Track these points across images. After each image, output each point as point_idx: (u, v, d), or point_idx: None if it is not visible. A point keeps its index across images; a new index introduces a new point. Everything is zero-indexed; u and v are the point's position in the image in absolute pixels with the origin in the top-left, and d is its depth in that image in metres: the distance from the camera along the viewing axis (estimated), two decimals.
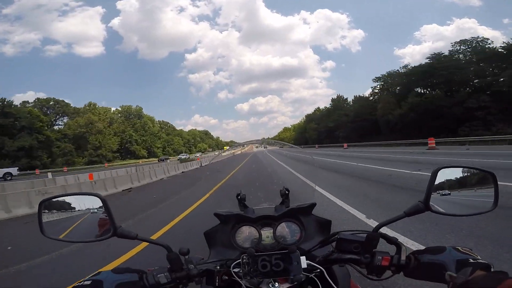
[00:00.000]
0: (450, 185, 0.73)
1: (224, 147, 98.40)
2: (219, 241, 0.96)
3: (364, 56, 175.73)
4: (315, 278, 0.75)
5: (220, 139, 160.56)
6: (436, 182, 0.69)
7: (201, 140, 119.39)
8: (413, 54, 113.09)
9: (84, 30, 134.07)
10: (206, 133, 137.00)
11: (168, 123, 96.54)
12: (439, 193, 0.71)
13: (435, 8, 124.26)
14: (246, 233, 0.95)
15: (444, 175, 0.71)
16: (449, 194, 0.73)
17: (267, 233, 0.94)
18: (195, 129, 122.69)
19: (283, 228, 0.95)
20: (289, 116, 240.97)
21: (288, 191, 1.05)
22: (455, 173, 0.74)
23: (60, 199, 0.72)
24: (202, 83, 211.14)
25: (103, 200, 0.68)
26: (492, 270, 0.57)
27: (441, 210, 0.70)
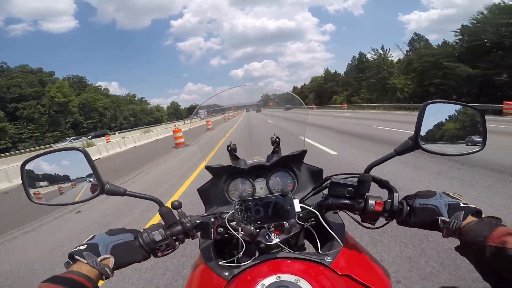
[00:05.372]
0: (439, 121, 0.72)
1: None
2: (213, 196, 0.95)
3: (367, 20, 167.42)
4: (311, 228, 0.73)
5: (158, 106, 72.96)
6: (425, 118, 0.67)
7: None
8: (419, 21, 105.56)
9: (49, 5, 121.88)
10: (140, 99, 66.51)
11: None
12: (428, 130, 0.70)
13: None
14: (239, 186, 0.96)
15: (432, 110, 0.69)
16: (438, 131, 0.72)
17: (260, 185, 0.95)
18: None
19: (276, 179, 0.96)
20: (285, 81, 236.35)
21: (279, 139, 1.03)
22: (443, 109, 0.73)
23: (42, 158, 0.68)
24: (192, 50, 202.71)
25: (85, 154, 0.64)
26: (483, 215, 0.56)
27: (431, 148, 0.69)
